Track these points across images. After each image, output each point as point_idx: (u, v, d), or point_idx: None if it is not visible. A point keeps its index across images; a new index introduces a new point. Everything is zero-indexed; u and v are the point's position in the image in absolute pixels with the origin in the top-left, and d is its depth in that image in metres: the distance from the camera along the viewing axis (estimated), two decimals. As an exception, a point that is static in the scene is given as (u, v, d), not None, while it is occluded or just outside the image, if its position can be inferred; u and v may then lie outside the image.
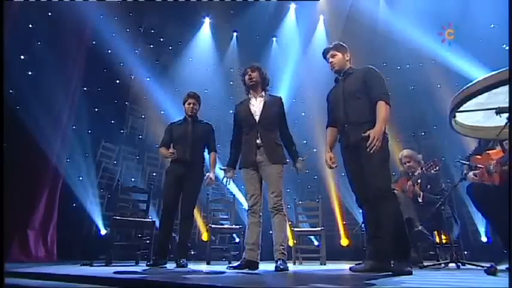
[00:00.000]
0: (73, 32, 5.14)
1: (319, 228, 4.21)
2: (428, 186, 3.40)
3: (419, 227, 3.04)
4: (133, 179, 5.71)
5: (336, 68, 2.54)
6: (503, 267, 2.06)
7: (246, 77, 2.90)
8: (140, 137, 6.33)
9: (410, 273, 1.98)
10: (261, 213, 2.76)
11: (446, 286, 1.55)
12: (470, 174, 2.66)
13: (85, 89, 5.31)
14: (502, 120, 1.53)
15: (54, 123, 4.63)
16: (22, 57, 4.76)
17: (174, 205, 3.26)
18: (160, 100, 6.19)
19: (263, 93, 2.91)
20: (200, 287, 1.38)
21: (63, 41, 5.00)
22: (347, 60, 2.55)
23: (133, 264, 3.50)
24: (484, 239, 5.34)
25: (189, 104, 3.43)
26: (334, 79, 2.64)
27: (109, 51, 5.72)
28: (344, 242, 6.32)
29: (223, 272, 2.39)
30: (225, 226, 4.58)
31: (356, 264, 3.11)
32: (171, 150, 3.26)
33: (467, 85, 1.51)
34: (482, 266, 2.38)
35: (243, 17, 6.96)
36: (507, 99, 1.43)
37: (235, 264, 2.68)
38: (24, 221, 4.03)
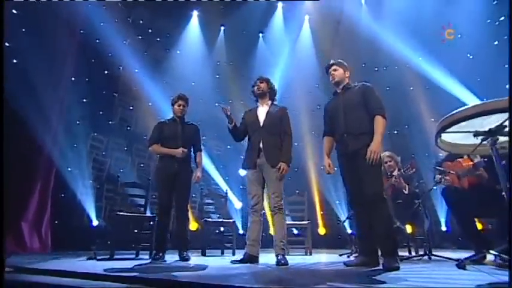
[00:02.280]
0: (60, 19, 4.96)
1: (305, 222, 4.52)
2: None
3: (397, 223, 3.46)
4: (121, 170, 5.72)
5: (336, 79, 2.81)
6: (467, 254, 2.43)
7: (255, 87, 3.14)
8: (129, 128, 6.32)
9: (398, 269, 2.22)
10: (262, 212, 3.01)
11: (461, 286, 1.66)
12: (442, 178, 3.10)
13: (73, 79, 5.20)
14: (477, 140, 1.89)
15: (43, 114, 4.52)
16: (7, 44, 4.56)
17: (169, 203, 3.41)
18: (149, 91, 6.19)
19: (269, 102, 3.16)
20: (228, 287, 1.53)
21: (49, 28, 4.82)
22: (346, 77, 2.83)
23: (134, 256, 3.67)
24: (444, 228, 6.07)
25: (179, 105, 3.56)
26: (333, 92, 2.92)
27: (97, 40, 5.61)
28: (322, 231, 6.77)
29: (232, 268, 2.54)
30: (217, 220, 4.84)
31: (340, 255, 3.53)
32: (182, 149, 3.39)
33: (455, 111, 1.81)
34: (452, 259, 2.74)
35: (231, 11, 7.03)
36: (482, 123, 1.77)
37: (238, 258, 2.92)
38: (18, 213, 4.02)
